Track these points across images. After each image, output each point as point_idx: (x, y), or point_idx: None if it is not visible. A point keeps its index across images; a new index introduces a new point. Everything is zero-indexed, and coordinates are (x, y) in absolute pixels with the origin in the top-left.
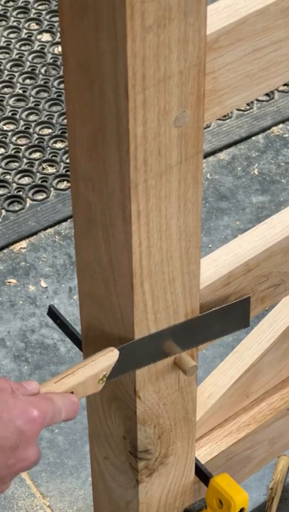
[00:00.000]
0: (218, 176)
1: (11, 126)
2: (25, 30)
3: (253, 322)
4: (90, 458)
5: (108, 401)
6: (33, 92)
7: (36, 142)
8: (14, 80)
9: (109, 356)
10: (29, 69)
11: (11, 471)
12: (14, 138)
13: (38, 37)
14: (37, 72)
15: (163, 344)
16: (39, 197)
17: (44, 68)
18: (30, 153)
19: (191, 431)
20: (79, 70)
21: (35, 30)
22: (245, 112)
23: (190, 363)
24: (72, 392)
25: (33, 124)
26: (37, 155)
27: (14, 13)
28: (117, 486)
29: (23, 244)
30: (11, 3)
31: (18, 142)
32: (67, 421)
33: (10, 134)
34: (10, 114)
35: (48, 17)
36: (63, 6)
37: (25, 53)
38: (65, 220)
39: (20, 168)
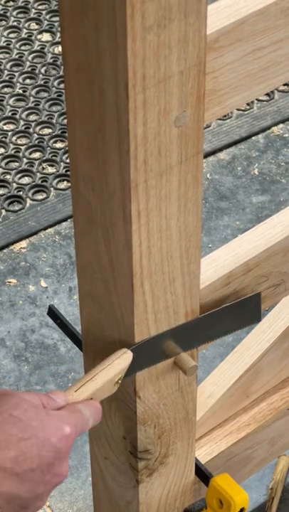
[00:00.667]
0: (218, 176)
1: (11, 126)
2: (25, 30)
3: None
4: (90, 458)
5: (108, 401)
6: (33, 92)
7: (36, 142)
8: (14, 80)
9: (124, 358)
10: (29, 69)
11: (47, 488)
12: (14, 138)
13: (38, 37)
14: (37, 72)
15: (171, 343)
16: (39, 197)
17: (44, 68)
18: (30, 153)
19: (191, 431)
20: (79, 70)
21: (35, 30)
22: (246, 112)
23: (190, 363)
24: (91, 398)
25: (33, 124)
26: (37, 155)
27: (14, 13)
28: (117, 486)
29: (23, 244)
30: (11, 3)
31: (18, 142)
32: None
33: (10, 133)
34: (10, 113)
35: (48, 17)
36: (63, 6)
37: (26, 53)
38: (65, 220)
39: (20, 168)
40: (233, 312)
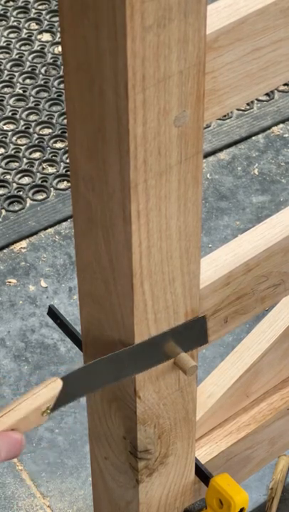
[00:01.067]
0: (218, 176)
1: (11, 126)
2: (25, 30)
3: (253, 322)
4: (90, 458)
5: (108, 401)
6: (33, 92)
7: (36, 142)
8: (14, 80)
9: (52, 387)
10: (29, 69)
11: None
12: (14, 138)
13: (38, 37)
14: (37, 72)
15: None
16: (39, 197)
17: (44, 68)
18: (30, 153)
19: (191, 431)
20: (79, 70)
21: (35, 30)
22: (246, 112)
23: (190, 363)
24: (13, 429)
25: (33, 124)
26: (37, 155)
27: (14, 13)
28: (117, 486)
29: (23, 244)
30: (11, 3)
31: (18, 142)
32: (11, 459)
33: (10, 133)
34: (10, 113)
35: (48, 17)
36: (63, 6)
37: (25, 53)
38: (65, 220)
39: (20, 168)
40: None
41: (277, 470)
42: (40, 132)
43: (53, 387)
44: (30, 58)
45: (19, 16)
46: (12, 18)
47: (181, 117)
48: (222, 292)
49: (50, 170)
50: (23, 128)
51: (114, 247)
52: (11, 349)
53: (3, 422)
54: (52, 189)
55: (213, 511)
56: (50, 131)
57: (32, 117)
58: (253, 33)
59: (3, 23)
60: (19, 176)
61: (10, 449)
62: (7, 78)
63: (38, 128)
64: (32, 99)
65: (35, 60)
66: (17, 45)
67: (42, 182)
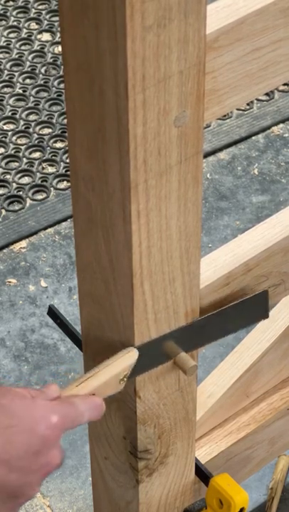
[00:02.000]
0: (218, 176)
1: (11, 126)
2: (25, 30)
3: None
4: (90, 458)
5: (108, 401)
6: (33, 92)
7: (36, 142)
8: (14, 80)
9: (130, 356)
10: (29, 68)
11: (37, 476)
12: (14, 137)
13: (38, 36)
14: (37, 71)
15: (173, 344)
16: (39, 197)
17: (44, 68)
18: (30, 153)
19: (191, 431)
20: (79, 70)
21: (35, 29)
22: (245, 112)
23: (190, 363)
24: (93, 394)
25: (33, 124)
26: (37, 155)
27: (14, 13)
28: (117, 486)
29: (23, 244)
30: (11, 3)
31: (18, 142)
32: (93, 420)
33: (10, 133)
34: (10, 113)
35: (48, 17)
36: (63, 5)
37: (25, 53)
38: (65, 219)
39: (20, 168)
40: (238, 311)
41: (277, 470)
42: (40, 132)
43: (130, 355)
44: (30, 58)
45: (19, 15)
46: (12, 18)
47: (181, 117)
48: (222, 292)
49: (50, 170)
50: (23, 128)
51: (114, 247)
52: (11, 349)
53: (86, 386)
54: (52, 189)
55: (213, 511)
56: (50, 131)
57: (32, 117)
58: (252, 33)
59: (3, 22)
60: (19, 175)
61: (92, 411)
62: (7, 78)
63: (38, 128)
64: (32, 99)
65: (35, 60)
66: (17, 45)
67: (42, 182)
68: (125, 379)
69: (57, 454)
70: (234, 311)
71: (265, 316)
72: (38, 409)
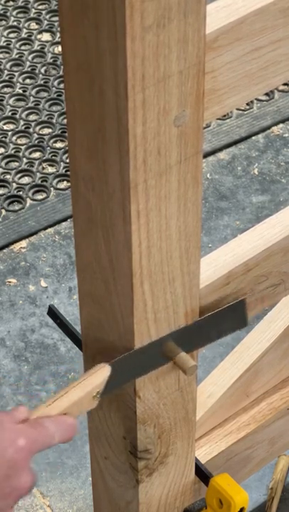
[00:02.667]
0: (218, 176)
1: (11, 126)
2: (25, 30)
3: (253, 322)
4: (90, 458)
5: (108, 401)
6: (33, 92)
7: (36, 142)
8: (14, 80)
9: (101, 372)
10: (29, 68)
11: (8, 501)
12: (14, 137)
13: (38, 36)
14: (37, 71)
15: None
16: (39, 197)
17: (44, 68)
18: (30, 153)
19: (191, 431)
20: (79, 70)
21: (35, 29)
22: (245, 112)
23: (190, 363)
24: (65, 414)
25: (33, 124)
26: (37, 155)
27: (14, 13)
28: (117, 486)
29: (23, 243)
30: (11, 3)
31: (18, 142)
32: (66, 442)
33: (10, 133)
34: (10, 113)
35: (48, 17)
36: (63, 5)
37: (25, 53)
38: (65, 219)
39: (20, 168)
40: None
41: (277, 470)
42: (40, 132)
43: (102, 371)
44: (30, 58)
45: (19, 15)
46: (12, 18)
47: (180, 117)
48: (222, 292)
49: (50, 170)
50: (23, 128)
51: (114, 247)
52: (11, 349)
53: (57, 406)
54: (52, 189)
55: (213, 511)
56: (50, 131)
57: (32, 117)
58: (252, 32)
59: (3, 23)
60: (19, 175)
61: (64, 432)
62: (7, 78)
63: (38, 128)
64: (32, 99)
65: (35, 60)
66: (17, 45)
67: (42, 182)
68: (98, 396)
69: (27, 477)
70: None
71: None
72: (4, 432)
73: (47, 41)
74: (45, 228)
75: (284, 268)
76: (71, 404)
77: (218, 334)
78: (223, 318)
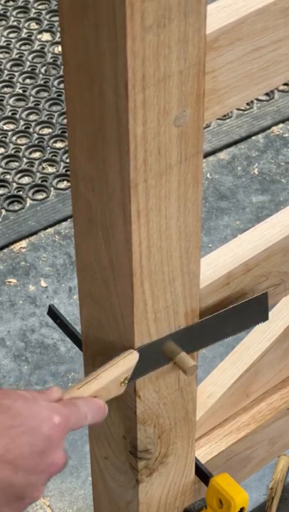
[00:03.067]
0: (218, 176)
1: (11, 126)
2: (25, 30)
3: None
4: (90, 458)
5: (108, 401)
6: (33, 92)
7: (36, 142)
8: (14, 80)
9: (129, 359)
10: (29, 68)
11: (42, 477)
12: (14, 137)
13: (38, 36)
14: (37, 71)
15: (173, 345)
16: (39, 197)
17: (44, 68)
18: (30, 153)
19: (191, 430)
20: (79, 70)
21: (35, 29)
22: (245, 112)
23: (190, 363)
24: (95, 397)
25: (33, 124)
26: (37, 155)
27: (14, 13)
28: (117, 485)
29: (23, 243)
30: (11, 3)
31: (18, 142)
32: (95, 423)
33: (10, 133)
34: (10, 113)
35: (48, 17)
36: (63, 5)
37: (25, 53)
38: (65, 219)
39: (20, 168)
40: (239, 313)
41: (277, 470)
42: (40, 132)
43: (130, 358)
44: (30, 58)
45: (19, 15)
46: (12, 18)
47: (181, 117)
48: (222, 292)
49: (50, 170)
50: (23, 128)
51: (114, 247)
52: (11, 349)
53: (87, 389)
54: (52, 189)
55: (213, 511)
56: (50, 131)
57: (32, 117)
58: (252, 32)
59: (3, 23)
60: (19, 175)
61: (94, 413)
62: (7, 78)
63: (38, 128)
64: (32, 99)
65: (35, 60)
66: (17, 45)
67: (42, 182)
68: (126, 382)
69: (61, 454)
70: (234, 313)
71: (265, 318)
72: (40, 409)
73: (47, 41)
74: (45, 228)
75: (284, 268)
76: (100, 388)
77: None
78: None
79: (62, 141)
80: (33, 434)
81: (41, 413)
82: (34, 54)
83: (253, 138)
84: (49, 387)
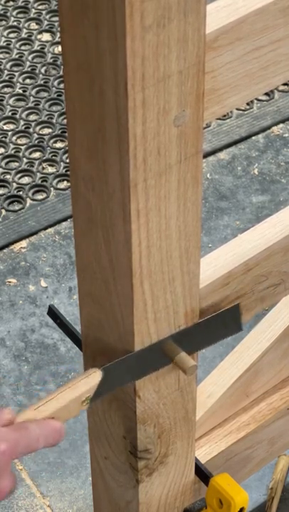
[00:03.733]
0: (218, 176)
1: (11, 126)
2: (25, 30)
3: (253, 322)
4: (90, 458)
5: (108, 401)
6: (33, 92)
7: (36, 142)
8: (14, 80)
9: (92, 377)
10: (29, 69)
11: None
12: (14, 137)
13: (38, 37)
14: (37, 71)
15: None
16: (39, 197)
17: (44, 68)
18: (30, 153)
19: (190, 430)
20: (79, 70)
21: (35, 29)
22: (245, 112)
23: (190, 363)
24: (53, 418)
25: (33, 124)
26: (37, 155)
27: (14, 13)
28: (117, 485)
29: (23, 243)
30: (11, 3)
31: (18, 142)
32: (51, 447)
33: (10, 133)
34: (10, 113)
35: (48, 17)
36: (63, 5)
37: (25, 53)
38: (65, 219)
39: (20, 168)
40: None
41: (277, 470)
42: (40, 132)
43: (93, 377)
44: (30, 58)
45: (19, 15)
46: (12, 18)
47: (180, 117)
48: (222, 292)
49: (50, 170)
50: (23, 128)
51: (114, 246)
52: (11, 349)
53: (44, 410)
54: (52, 189)
55: (213, 511)
56: (50, 131)
57: (32, 117)
58: (252, 32)
59: (3, 23)
60: (19, 175)
61: (48, 436)
62: (7, 78)
63: (38, 128)
64: (32, 99)
65: (35, 60)
66: (17, 45)
67: (42, 182)
68: (88, 401)
69: (6, 481)
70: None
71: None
72: None
73: (47, 41)
74: (45, 228)
75: (284, 268)
76: (59, 409)
77: (219, 336)
78: (223, 320)
79: (62, 141)
80: None
81: None
82: (34, 54)
83: (253, 138)
84: (1, 409)
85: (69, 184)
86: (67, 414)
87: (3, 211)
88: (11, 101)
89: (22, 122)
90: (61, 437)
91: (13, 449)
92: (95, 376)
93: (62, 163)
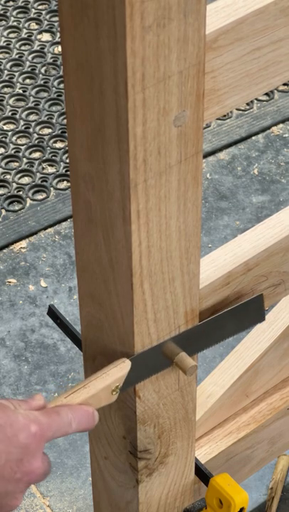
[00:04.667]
0: (218, 176)
1: (11, 126)
2: (25, 30)
3: None
4: (90, 458)
5: None
6: (33, 92)
7: (36, 142)
8: (14, 80)
9: (122, 367)
10: (29, 69)
11: (19, 485)
12: (14, 138)
13: (38, 37)
14: (37, 71)
15: (172, 345)
16: (39, 197)
17: (44, 68)
18: (30, 153)
19: (191, 431)
20: (79, 70)
21: (35, 30)
22: (245, 112)
23: (190, 363)
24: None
25: (33, 124)
26: (37, 155)
27: (14, 13)
28: (117, 485)
29: (23, 243)
30: (11, 3)
31: (18, 142)
32: (85, 431)
33: (10, 133)
34: (10, 113)
35: (48, 17)
36: (63, 5)
37: (25, 53)
38: (65, 219)
39: (20, 168)
40: (236, 314)
41: (277, 470)
42: (40, 132)
43: (122, 367)
44: (30, 58)
45: (19, 15)
46: (12, 18)
47: (180, 117)
48: (222, 292)
49: (50, 170)
50: (23, 128)
51: (114, 247)
52: (11, 349)
53: (75, 398)
54: (52, 189)
55: (213, 511)
56: (50, 131)
57: (32, 117)
58: (252, 32)
59: (3, 23)
60: (19, 175)
61: (81, 421)
62: (7, 78)
63: (38, 128)
64: (32, 99)
65: (35, 60)
66: (17, 45)
67: (42, 182)
68: (118, 390)
69: (39, 463)
70: (233, 315)
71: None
72: (18, 418)
73: (47, 41)
74: (45, 228)
75: (284, 268)
76: (89, 397)
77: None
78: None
79: (62, 141)
80: (9, 443)
81: (18, 422)
82: (34, 54)
83: (253, 138)
84: (33, 395)
85: (69, 184)
86: (98, 402)
87: (3, 211)
88: (11, 101)
89: (22, 122)
90: (94, 422)
91: (45, 431)
92: (124, 366)
93: (62, 163)
